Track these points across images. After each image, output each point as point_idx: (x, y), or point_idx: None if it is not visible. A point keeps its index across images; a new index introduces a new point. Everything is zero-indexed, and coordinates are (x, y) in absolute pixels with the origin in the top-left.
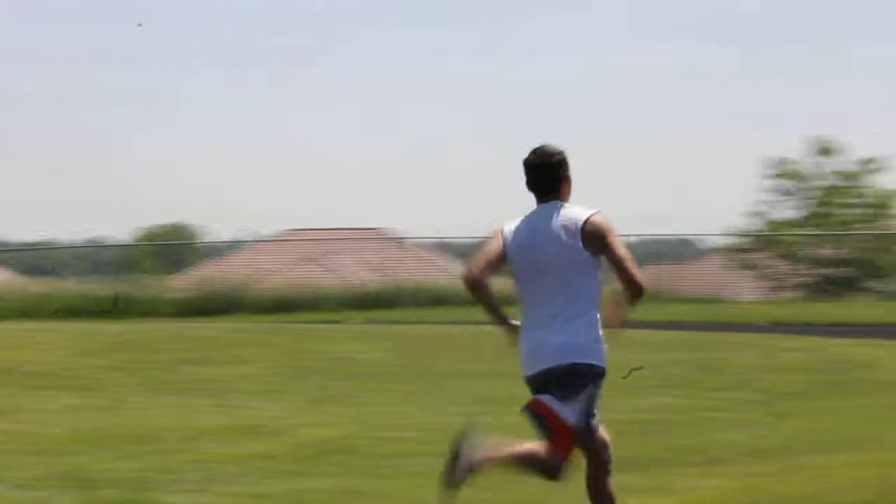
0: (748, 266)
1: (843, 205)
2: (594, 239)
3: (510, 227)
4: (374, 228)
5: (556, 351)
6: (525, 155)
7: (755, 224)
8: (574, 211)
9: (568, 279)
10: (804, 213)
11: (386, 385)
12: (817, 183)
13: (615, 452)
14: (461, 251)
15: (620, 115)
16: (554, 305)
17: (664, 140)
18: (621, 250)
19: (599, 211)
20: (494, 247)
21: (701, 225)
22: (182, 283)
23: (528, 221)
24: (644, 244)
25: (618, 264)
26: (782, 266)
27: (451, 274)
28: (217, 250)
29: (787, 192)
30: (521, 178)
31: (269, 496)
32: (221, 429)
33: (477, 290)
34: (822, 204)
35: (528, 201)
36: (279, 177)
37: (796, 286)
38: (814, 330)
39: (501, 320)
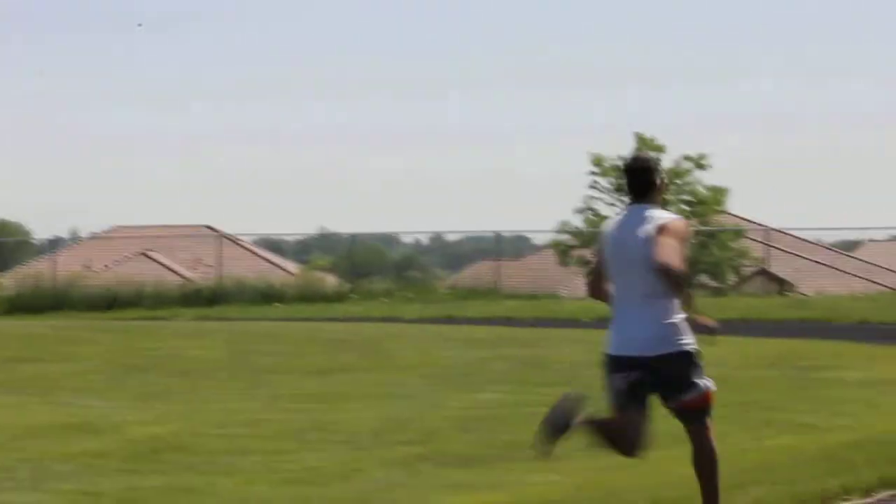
0: (578, 262)
1: (669, 201)
2: (660, 230)
3: (606, 230)
4: (202, 226)
5: (644, 339)
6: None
7: (584, 221)
8: (662, 214)
9: (647, 274)
10: None
11: (215, 382)
12: None
13: (445, 449)
14: (289, 248)
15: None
16: (640, 293)
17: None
18: (668, 239)
19: (680, 218)
20: (599, 255)
21: (533, 221)
22: (9, 281)
23: (620, 221)
24: (475, 240)
25: (655, 245)
26: None
27: (279, 270)
28: (44, 247)
29: (613, 190)
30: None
31: (100, 494)
32: (52, 427)
33: (599, 299)
34: None
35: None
36: (101, 174)
37: None
38: None
39: None
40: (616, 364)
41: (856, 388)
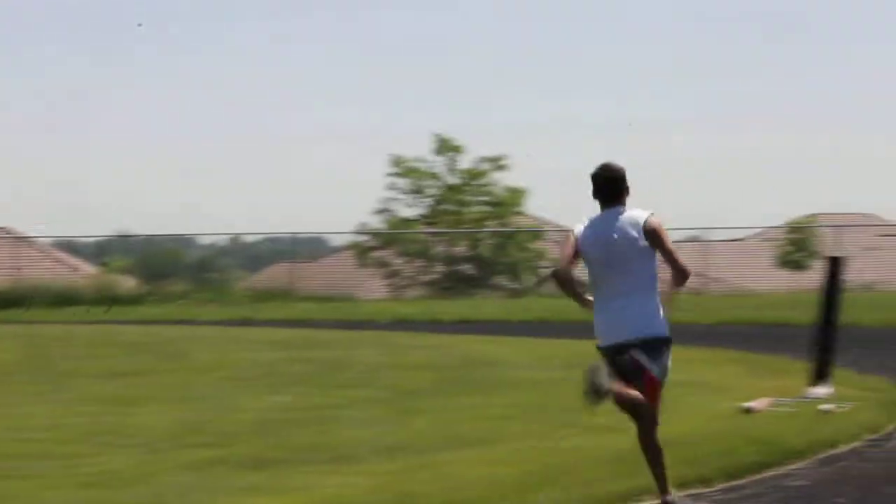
0: (376, 264)
1: (468, 202)
2: (651, 235)
3: (579, 229)
4: None
5: (631, 325)
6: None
7: (382, 222)
8: (635, 213)
9: (632, 267)
10: (428, 210)
11: (12, 385)
12: (440, 181)
13: (241, 451)
14: (87, 250)
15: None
16: (624, 286)
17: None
18: (670, 244)
19: (654, 213)
20: (569, 247)
21: (330, 223)
22: None
23: (595, 223)
24: (273, 242)
25: (668, 255)
26: (409, 264)
27: (77, 273)
28: None
29: (411, 191)
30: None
31: None
32: None
33: (565, 284)
34: (445, 201)
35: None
36: None
37: (424, 284)
38: (441, 327)
39: (583, 302)
40: (616, 350)
41: None
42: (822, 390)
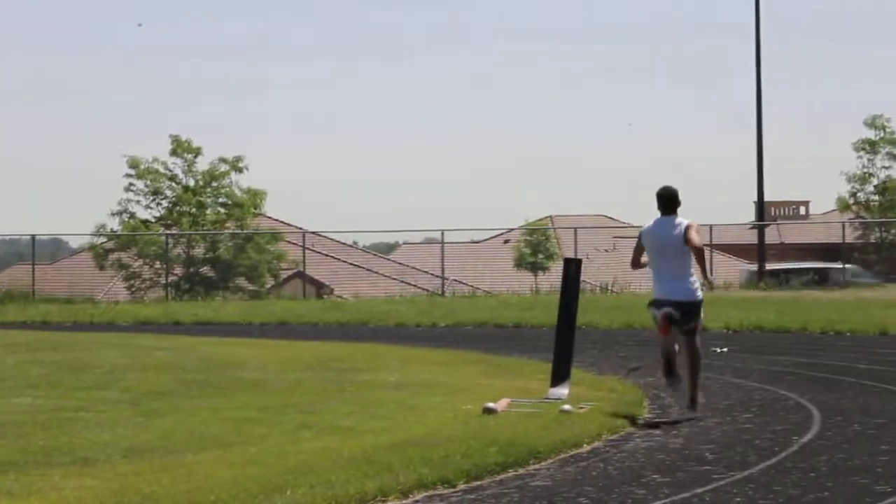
0: (115, 266)
1: (206, 204)
2: (687, 234)
3: (645, 229)
4: None
5: (679, 294)
6: (657, 189)
7: (120, 224)
8: (682, 219)
9: (679, 256)
10: (166, 212)
11: None
12: (179, 182)
13: None
14: None
15: None
16: (672, 269)
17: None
18: (695, 238)
19: (692, 221)
20: (639, 244)
21: (70, 224)
22: None
23: (657, 225)
24: (10, 244)
25: (690, 243)
26: (148, 266)
27: None
28: None
29: (148, 192)
30: None
31: None
32: None
33: (637, 268)
34: (184, 203)
35: None
36: None
37: (165, 286)
38: (182, 329)
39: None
40: (659, 303)
41: (393, 389)
42: (561, 391)
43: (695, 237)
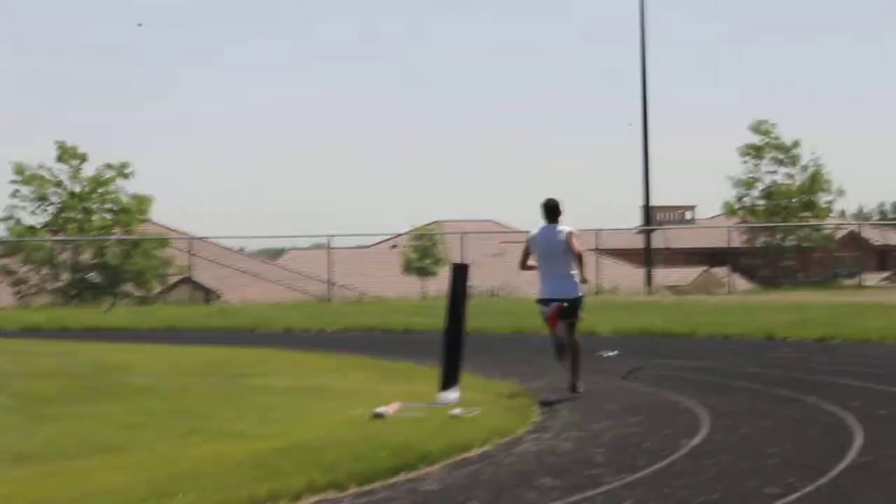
0: (1, 272)
1: (93, 210)
2: (569, 240)
3: (532, 235)
4: None
5: (562, 292)
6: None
7: (6, 230)
8: (564, 227)
9: (562, 259)
10: (53, 218)
11: None
12: (65, 188)
13: None
14: None
15: None
16: (556, 270)
17: None
18: (576, 244)
19: (573, 228)
20: (526, 248)
21: None
22: None
23: (542, 232)
24: None
25: (572, 248)
26: (35, 272)
27: None
28: None
29: (34, 198)
30: None
31: None
32: None
33: (525, 269)
34: (70, 209)
35: None
36: None
37: (51, 291)
38: (70, 335)
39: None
40: (546, 301)
41: (282, 394)
42: (451, 395)
43: (575, 243)
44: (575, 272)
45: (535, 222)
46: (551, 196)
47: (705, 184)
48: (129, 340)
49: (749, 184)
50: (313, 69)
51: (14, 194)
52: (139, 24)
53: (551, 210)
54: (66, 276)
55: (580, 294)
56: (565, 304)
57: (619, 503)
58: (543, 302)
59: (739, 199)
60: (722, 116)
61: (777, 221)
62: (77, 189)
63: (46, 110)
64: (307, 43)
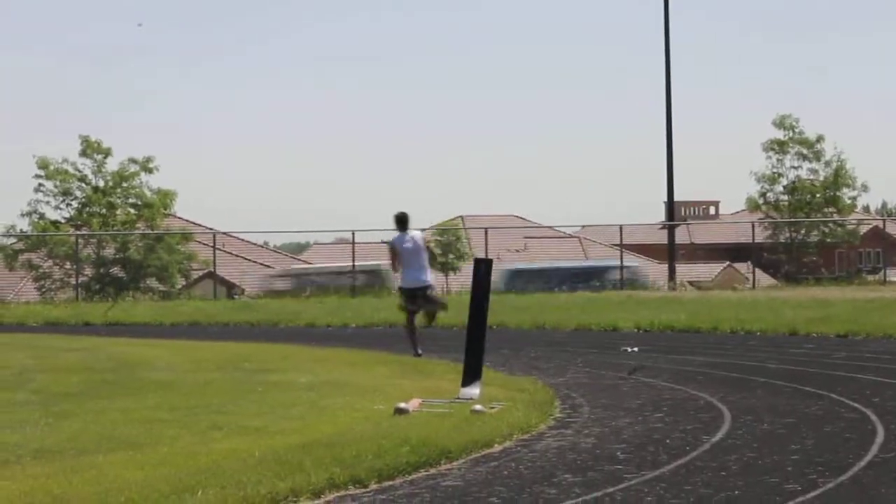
0: (25, 267)
1: (117, 205)
2: (423, 241)
3: (394, 242)
4: None
5: (420, 281)
6: (396, 212)
7: (31, 224)
8: (416, 232)
9: (421, 256)
10: (76, 213)
11: None
12: (88, 183)
13: None
14: None
15: None
16: (416, 265)
17: None
18: (430, 246)
19: (423, 232)
20: (393, 252)
21: None
22: None
23: (401, 238)
24: None
25: (428, 251)
26: (58, 266)
27: None
28: None
29: (58, 193)
30: None
31: None
32: None
33: (396, 270)
34: (94, 204)
35: None
36: None
37: (75, 286)
38: (92, 330)
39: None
40: (410, 291)
41: (304, 390)
42: (473, 391)
43: (430, 251)
44: (427, 265)
45: (558, 217)
46: (402, 210)
47: (729, 179)
48: (151, 335)
49: (773, 179)
50: (340, 65)
51: (38, 189)
52: (139, 24)
53: (404, 221)
54: (89, 271)
55: (430, 282)
56: (427, 289)
57: (640, 499)
58: (409, 290)
59: (763, 194)
60: (747, 112)
61: (800, 217)
62: (101, 184)
63: (70, 106)
64: (334, 40)
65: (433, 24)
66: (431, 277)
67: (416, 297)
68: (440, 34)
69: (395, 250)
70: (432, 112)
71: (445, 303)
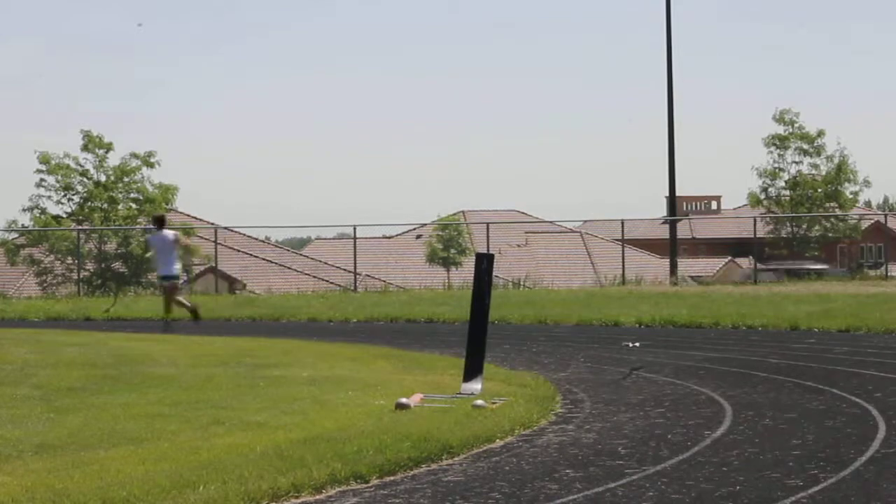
0: (26, 262)
1: (118, 199)
2: (176, 238)
3: (152, 238)
4: None
5: (169, 271)
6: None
7: (32, 219)
8: (169, 232)
9: (171, 251)
10: (78, 208)
11: None
12: (90, 178)
13: None
14: None
15: None
16: (167, 259)
17: None
18: (182, 239)
19: (177, 231)
20: (150, 246)
21: None
22: None
23: (157, 235)
24: None
25: (179, 243)
26: (60, 261)
27: None
28: None
29: (60, 188)
30: None
31: None
32: None
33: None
34: (95, 198)
35: None
36: None
37: (76, 281)
38: (93, 325)
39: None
40: (163, 278)
41: (305, 385)
42: (474, 386)
43: (182, 239)
44: (175, 259)
45: (559, 212)
46: (159, 212)
47: (731, 174)
48: (152, 330)
49: (774, 174)
50: (341, 58)
51: (39, 184)
52: (139, 24)
53: (161, 222)
54: (90, 266)
55: (177, 272)
56: (176, 278)
57: (641, 495)
58: (164, 278)
59: (764, 189)
60: (750, 106)
61: (802, 212)
62: (102, 179)
63: (72, 100)
64: (336, 31)
65: (435, 16)
66: (177, 268)
67: (163, 286)
68: (442, 26)
69: (150, 245)
70: (434, 105)
71: (190, 307)
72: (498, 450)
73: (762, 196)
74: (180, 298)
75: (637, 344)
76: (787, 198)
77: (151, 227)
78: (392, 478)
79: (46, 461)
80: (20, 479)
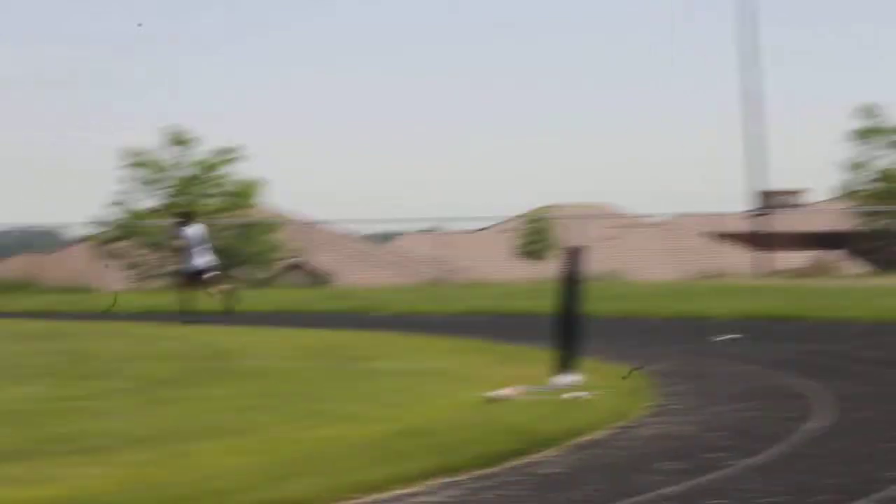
0: (115, 255)
1: (204, 194)
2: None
3: (187, 230)
4: None
5: (203, 265)
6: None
7: (118, 214)
8: (200, 226)
9: (204, 245)
10: (164, 202)
11: None
12: (176, 173)
13: None
14: None
15: None
16: (201, 252)
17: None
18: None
19: (204, 224)
20: (184, 237)
21: (64, 215)
22: None
23: (193, 228)
24: (8, 235)
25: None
26: (150, 255)
27: None
28: None
29: (146, 182)
30: None
31: None
32: None
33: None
34: (181, 193)
35: None
36: None
37: (166, 275)
38: (177, 318)
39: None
40: (196, 271)
41: (396, 377)
42: (568, 378)
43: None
44: (208, 251)
45: (646, 205)
46: (186, 209)
47: (818, 167)
48: (243, 323)
49: (861, 167)
50: (432, 52)
51: (126, 179)
52: (139, 24)
53: (189, 216)
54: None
55: (210, 264)
56: (211, 271)
57: (741, 486)
58: (199, 272)
59: (852, 182)
60: (835, 99)
61: (891, 204)
62: (188, 173)
63: (159, 94)
64: (427, 25)
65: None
66: (208, 264)
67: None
68: (535, 21)
69: (185, 237)
70: (523, 100)
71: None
72: (594, 442)
73: (849, 189)
74: (215, 290)
75: (732, 336)
76: (876, 191)
77: (178, 221)
78: (489, 470)
79: (141, 453)
80: (114, 471)
